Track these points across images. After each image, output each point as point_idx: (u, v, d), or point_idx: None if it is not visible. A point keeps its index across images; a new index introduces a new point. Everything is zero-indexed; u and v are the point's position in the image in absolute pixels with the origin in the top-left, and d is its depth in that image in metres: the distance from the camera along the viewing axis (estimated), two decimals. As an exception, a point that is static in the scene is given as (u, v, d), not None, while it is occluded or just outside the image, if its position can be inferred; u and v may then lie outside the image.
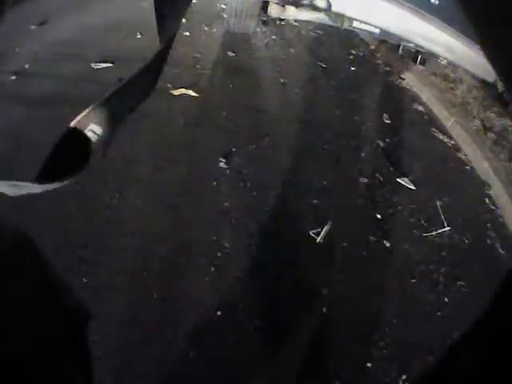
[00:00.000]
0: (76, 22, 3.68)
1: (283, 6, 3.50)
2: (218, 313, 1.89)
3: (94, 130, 0.59)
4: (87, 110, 0.59)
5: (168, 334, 1.78)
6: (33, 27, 3.49)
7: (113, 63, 3.20)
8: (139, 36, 3.61)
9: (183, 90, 3.12)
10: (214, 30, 4.07)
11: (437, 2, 2.99)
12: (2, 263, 0.53)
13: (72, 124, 0.58)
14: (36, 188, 0.54)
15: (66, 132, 0.58)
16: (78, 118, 0.58)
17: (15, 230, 0.60)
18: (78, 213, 2.13)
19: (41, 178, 0.55)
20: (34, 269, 0.58)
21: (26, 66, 3.03)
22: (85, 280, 1.87)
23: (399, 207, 2.71)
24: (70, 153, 0.59)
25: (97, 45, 3.44)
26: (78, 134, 0.58)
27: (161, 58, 0.68)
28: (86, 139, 0.59)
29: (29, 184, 0.53)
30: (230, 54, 3.78)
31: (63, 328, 0.57)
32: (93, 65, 3.19)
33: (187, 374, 1.70)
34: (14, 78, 2.90)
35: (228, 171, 2.59)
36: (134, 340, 1.73)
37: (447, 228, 2.66)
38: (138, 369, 1.66)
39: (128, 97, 0.65)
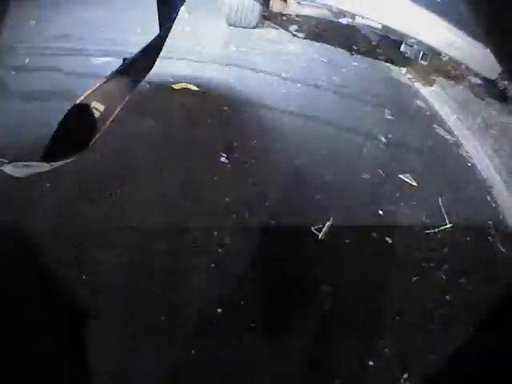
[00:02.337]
0: (76, 16, 3.66)
1: (285, 0, 3.48)
2: (219, 310, 1.88)
3: (97, 108, 0.61)
4: (91, 89, 0.61)
5: (168, 331, 1.77)
6: (32, 22, 3.47)
7: (113, 58, 3.18)
8: (139, 30, 3.59)
9: (184, 84, 3.10)
10: (216, 24, 4.04)
11: (439, -1, 2.98)
12: (2, 263, 0.53)
13: (77, 101, 0.61)
14: (43, 166, 0.55)
15: (71, 109, 0.60)
16: (83, 96, 0.61)
17: (15, 229, 0.60)
18: (77, 209, 2.12)
19: (47, 156, 0.57)
20: (34, 268, 0.58)
21: (26, 61, 3.02)
22: (84, 277, 1.85)
23: (401, 203, 2.70)
24: (75, 129, 0.61)
25: (97, 39, 3.43)
26: (82, 111, 0.60)
27: (159, 42, 0.70)
28: (90, 116, 0.61)
29: (36, 163, 0.55)
30: (232, 48, 3.76)
31: (61, 328, 0.57)
32: (93, 59, 3.17)
33: (187, 372, 1.69)
34: (14, 73, 2.88)
35: (229, 166, 2.57)
36: (133, 337, 1.72)
37: (449, 225, 2.65)
38: (137, 366, 1.64)
39: (128, 77, 0.66)
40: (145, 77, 0.73)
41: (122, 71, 0.65)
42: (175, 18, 0.74)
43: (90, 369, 0.65)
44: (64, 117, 0.59)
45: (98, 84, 0.63)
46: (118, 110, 0.66)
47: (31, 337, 0.48)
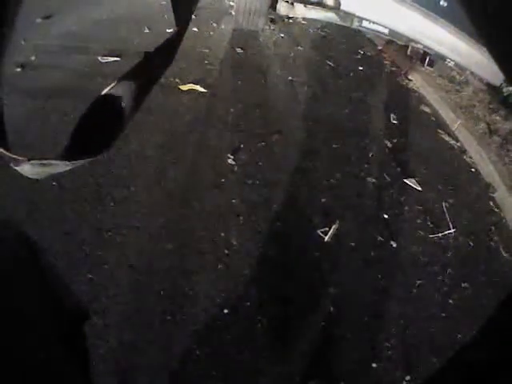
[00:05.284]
0: (82, 15, 3.65)
1: (292, 4, 3.49)
2: (226, 311, 1.89)
3: (121, 103, 0.57)
4: (113, 84, 0.56)
5: (174, 331, 1.77)
6: (39, 20, 3.46)
7: (120, 57, 3.18)
8: (147, 30, 3.59)
9: (191, 86, 3.11)
10: (223, 26, 4.04)
11: (445, 4, 2.98)
12: (2, 264, 0.52)
13: (103, 92, 0.55)
14: (63, 165, 0.51)
15: (94, 102, 0.55)
16: (106, 89, 0.55)
17: (16, 230, 0.59)
18: (83, 208, 2.13)
19: (68, 154, 0.51)
20: (34, 269, 0.57)
21: (32, 58, 3.01)
22: (90, 276, 1.86)
23: (406, 208, 2.71)
24: (99, 125, 0.55)
25: (104, 38, 3.41)
26: (108, 104, 0.56)
27: (178, 35, 0.67)
28: (117, 110, 0.56)
29: (56, 161, 0.50)
30: (239, 50, 3.75)
31: (62, 328, 0.56)
32: (100, 58, 3.17)
33: (193, 373, 1.70)
34: (19, 70, 2.88)
35: (236, 168, 2.58)
36: (138, 337, 1.73)
37: (452, 230, 2.66)
38: (142, 366, 1.65)
39: (149, 70, 0.64)
40: (162, 74, 0.70)
41: (139, 67, 0.61)
42: (192, 15, 0.72)
43: (89, 370, 0.64)
44: (87, 110, 0.54)
45: (118, 79, 0.57)
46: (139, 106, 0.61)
47: (31, 337, 0.48)
